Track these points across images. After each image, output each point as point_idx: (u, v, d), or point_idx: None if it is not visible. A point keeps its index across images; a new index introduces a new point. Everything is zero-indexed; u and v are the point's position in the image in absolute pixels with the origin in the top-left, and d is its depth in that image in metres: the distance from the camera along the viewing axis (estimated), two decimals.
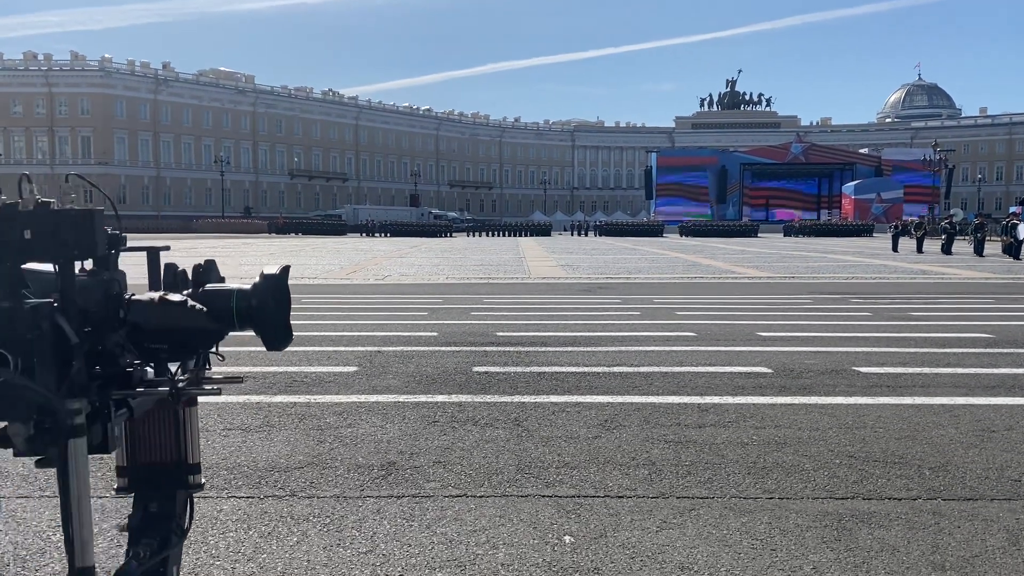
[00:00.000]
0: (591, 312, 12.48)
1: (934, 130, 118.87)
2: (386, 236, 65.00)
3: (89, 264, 1.42)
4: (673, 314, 12.09)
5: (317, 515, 3.81)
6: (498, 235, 73.01)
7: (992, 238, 37.12)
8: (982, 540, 3.51)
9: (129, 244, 1.50)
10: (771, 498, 4.04)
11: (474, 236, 70.30)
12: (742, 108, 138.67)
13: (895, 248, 35.90)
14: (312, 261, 27.52)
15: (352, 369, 7.46)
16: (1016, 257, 29.57)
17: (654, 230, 71.81)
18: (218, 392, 1.52)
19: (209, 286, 1.53)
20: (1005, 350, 8.63)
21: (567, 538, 3.53)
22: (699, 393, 6.45)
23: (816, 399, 6.26)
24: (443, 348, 8.71)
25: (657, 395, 6.39)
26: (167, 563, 1.57)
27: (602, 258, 30.48)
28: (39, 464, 1.36)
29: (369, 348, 8.68)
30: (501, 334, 9.78)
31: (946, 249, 33.48)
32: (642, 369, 7.48)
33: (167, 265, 1.56)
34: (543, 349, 8.64)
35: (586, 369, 7.50)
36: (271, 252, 33.18)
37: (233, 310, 1.48)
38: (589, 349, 8.66)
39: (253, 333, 1.49)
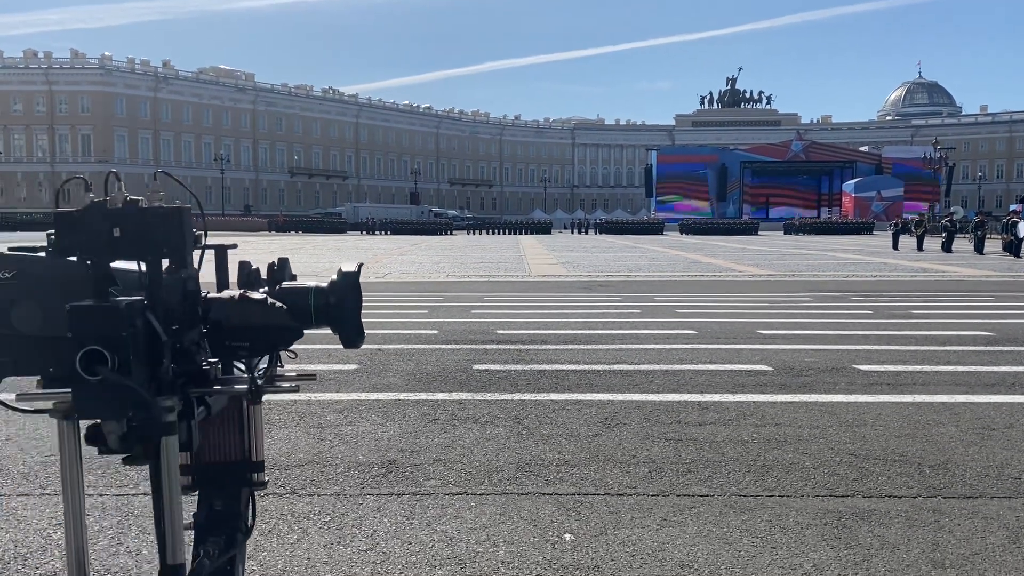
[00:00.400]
0: (591, 310, 12.48)
1: (934, 128, 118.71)
2: (386, 234, 65.00)
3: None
4: (673, 312, 12.08)
5: (317, 513, 3.81)
6: (498, 233, 72.97)
7: (992, 236, 37.13)
8: (982, 538, 3.51)
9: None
10: (771, 496, 4.04)
11: (474, 234, 70.28)
12: (742, 106, 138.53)
13: (895, 246, 35.89)
14: (312, 259, 27.51)
15: (352, 367, 7.46)
16: (1016, 255, 29.56)
17: (654, 228, 71.86)
18: (296, 389, 1.52)
19: (285, 284, 1.53)
20: (1005, 348, 8.63)
21: (567, 536, 3.53)
22: (699, 391, 6.45)
23: (816, 397, 6.26)
24: (443, 346, 8.72)
25: (657, 393, 6.39)
26: (234, 562, 1.57)
27: (602, 256, 30.47)
28: (127, 462, 1.36)
29: (369, 346, 8.66)
30: (501, 332, 9.78)
31: (946, 247, 33.46)
32: (642, 367, 7.48)
33: (240, 263, 1.56)
34: (543, 347, 8.64)
35: (586, 367, 7.51)
36: (271, 250, 33.15)
37: (311, 307, 1.49)
38: (589, 347, 8.66)
39: (328, 331, 1.49)
